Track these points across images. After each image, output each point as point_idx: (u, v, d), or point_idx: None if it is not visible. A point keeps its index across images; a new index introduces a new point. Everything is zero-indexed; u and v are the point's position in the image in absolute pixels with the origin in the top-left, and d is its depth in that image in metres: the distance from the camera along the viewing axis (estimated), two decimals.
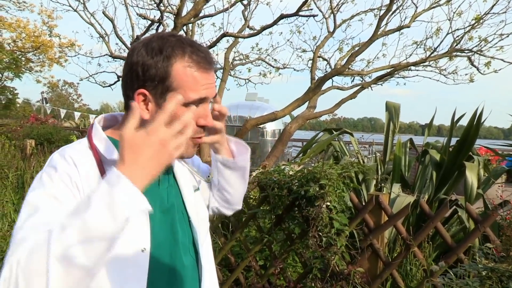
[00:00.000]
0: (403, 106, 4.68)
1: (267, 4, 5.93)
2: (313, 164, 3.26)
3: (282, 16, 4.34)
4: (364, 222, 2.77)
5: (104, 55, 6.65)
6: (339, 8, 5.47)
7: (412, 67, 5.78)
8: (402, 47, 7.14)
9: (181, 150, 0.86)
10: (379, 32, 4.53)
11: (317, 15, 4.69)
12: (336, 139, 4.93)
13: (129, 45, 5.56)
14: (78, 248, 0.73)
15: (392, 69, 5.28)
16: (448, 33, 5.00)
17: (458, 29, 5.02)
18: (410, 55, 5.40)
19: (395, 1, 4.44)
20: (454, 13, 4.92)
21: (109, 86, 6.83)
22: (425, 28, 5.34)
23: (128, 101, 0.98)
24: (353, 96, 5.27)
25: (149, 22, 5.45)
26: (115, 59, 6.40)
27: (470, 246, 2.57)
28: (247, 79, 7.63)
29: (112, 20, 5.63)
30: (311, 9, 4.90)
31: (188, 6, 4.89)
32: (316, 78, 5.00)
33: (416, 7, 4.86)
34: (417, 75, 6.32)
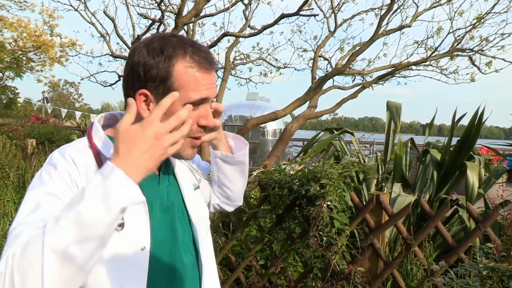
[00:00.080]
0: (404, 105, 4.68)
1: (268, 4, 5.92)
2: (313, 164, 3.27)
3: (283, 16, 4.33)
4: (365, 222, 2.77)
5: (105, 55, 6.65)
6: (340, 8, 5.46)
7: (413, 67, 5.77)
8: (403, 47, 7.19)
9: (177, 147, 0.87)
10: (380, 32, 4.53)
11: (318, 15, 4.68)
12: (337, 139, 4.93)
13: (130, 45, 5.56)
14: (72, 240, 0.73)
15: (393, 68, 5.28)
16: (449, 33, 5.00)
17: (459, 29, 5.02)
18: (411, 54, 5.39)
19: (396, 1, 4.44)
20: (455, 12, 4.91)
21: (110, 85, 6.83)
22: (426, 28, 5.36)
23: None
24: (354, 95, 5.27)
25: (150, 21, 5.45)
26: (116, 59, 6.40)
27: (470, 245, 2.57)
28: (248, 78, 7.62)
29: (113, 20, 5.63)
30: (312, 9, 4.90)
31: (189, 5, 4.89)
32: (317, 77, 5.00)
33: (417, 7, 4.85)
34: (418, 75, 6.31)
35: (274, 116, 4.76)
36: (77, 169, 0.93)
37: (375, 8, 5.91)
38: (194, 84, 0.96)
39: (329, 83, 5.33)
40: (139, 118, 0.88)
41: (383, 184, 4.01)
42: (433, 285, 2.55)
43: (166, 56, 0.95)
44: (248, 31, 5.41)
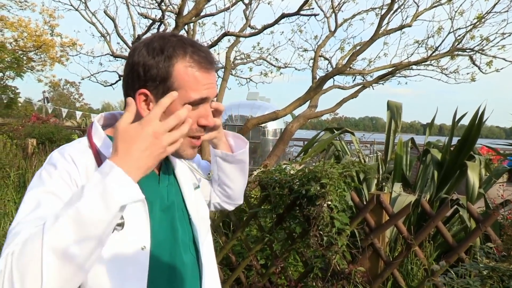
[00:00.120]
0: (405, 105, 4.68)
1: (268, 3, 5.93)
2: (314, 163, 3.27)
3: (283, 15, 4.33)
4: (365, 222, 2.77)
5: (105, 55, 6.66)
6: (341, 7, 5.47)
7: (414, 66, 5.77)
8: (403, 46, 7.21)
9: (177, 146, 0.87)
10: (380, 31, 4.53)
11: (318, 14, 4.67)
12: (337, 138, 4.93)
13: (130, 45, 5.57)
14: (72, 237, 0.73)
15: (393, 68, 5.28)
16: (449, 32, 5.00)
17: (459, 28, 5.02)
18: (412, 54, 5.40)
19: (396, 0, 4.44)
20: (455, 12, 4.91)
21: (110, 85, 6.84)
22: (426, 27, 5.34)
23: None
24: (354, 95, 5.27)
25: (151, 21, 5.45)
26: (116, 59, 6.40)
27: (471, 245, 2.56)
28: (249, 78, 7.63)
29: (113, 20, 5.63)
30: (312, 8, 4.89)
31: (190, 5, 4.89)
32: (318, 77, 5.00)
33: (418, 6, 4.85)
34: (418, 74, 6.32)
35: (274, 116, 4.76)
36: (77, 169, 0.93)
37: (375, 8, 5.92)
38: (194, 83, 0.96)
39: (329, 83, 5.33)
40: (138, 117, 0.88)
41: (384, 183, 4.01)
42: (434, 285, 2.55)
43: (166, 55, 0.94)
44: (248, 30, 5.41)
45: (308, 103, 4.95)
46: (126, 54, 5.91)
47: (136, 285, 0.94)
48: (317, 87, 4.71)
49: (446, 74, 6.01)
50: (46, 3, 16.87)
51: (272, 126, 12.25)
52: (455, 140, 4.17)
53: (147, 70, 0.94)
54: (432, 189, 3.92)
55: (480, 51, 5.21)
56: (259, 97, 13.43)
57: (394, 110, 4.59)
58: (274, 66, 7.21)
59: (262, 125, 8.82)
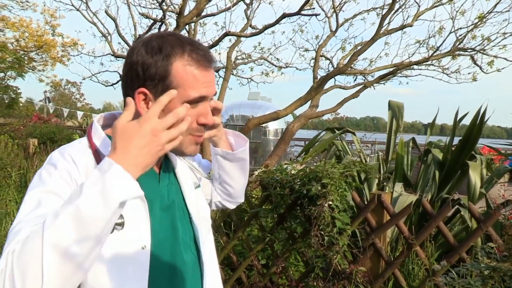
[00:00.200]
0: (406, 105, 4.67)
1: (269, 3, 5.93)
2: (315, 163, 3.26)
3: (284, 15, 4.33)
4: (366, 221, 2.77)
5: (106, 54, 6.68)
6: (342, 7, 5.47)
7: (415, 66, 5.78)
8: (404, 46, 7.23)
9: (175, 144, 0.87)
10: (381, 31, 4.53)
11: (319, 14, 4.68)
12: (339, 138, 4.92)
13: (131, 45, 5.57)
14: (72, 234, 0.73)
15: (394, 68, 5.28)
16: (450, 32, 5.00)
17: (461, 28, 5.02)
18: (413, 54, 5.40)
19: (397, 0, 4.44)
20: (457, 12, 4.91)
21: (111, 85, 6.85)
22: (427, 27, 5.32)
23: None
24: (355, 95, 5.27)
25: (152, 21, 5.47)
26: (117, 58, 6.42)
27: (472, 245, 2.56)
28: (250, 78, 7.64)
29: (114, 20, 5.64)
30: (313, 8, 4.90)
31: (191, 5, 4.89)
32: (319, 77, 5.00)
33: (419, 6, 4.85)
34: (419, 74, 6.32)
35: (275, 116, 4.77)
36: (77, 168, 0.94)
37: (376, 8, 5.92)
38: (193, 82, 0.96)
39: (330, 83, 5.36)
40: (138, 116, 0.88)
41: (385, 183, 4.00)
42: (435, 285, 2.55)
43: (164, 54, 0.95)
44: (249, 30, 5.41)
45: (309, 103, 4.96)
46: None
47: (137, 285, 0.94)
48: (318, 87, 4.71)
49: (447, 74, 6.02)
50: (48, 3, 16.89)
51: (273, 126, 12.25)
52: (456, 140, 4.16)
53: (145, 69, 0.94)
54: (433, 189, 3.92)
55: (482, 51, 5.21)
56: (260, 97, 13.43)
57: (395, 110, 4.58)
58: (275, 66, 7.22)
59: (263, 125, 8.81)
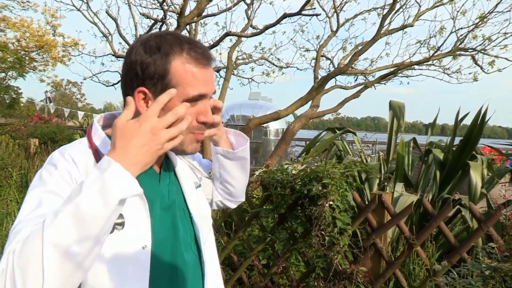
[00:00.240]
0: (407, 105, 4.67)
1: (270, 3, 5.93)
2: (316, 163, 3.26)
3: (285, 15, 4.33)
4: (367, 221, 2.77)
5: (107, 55, 6.67)
6: (342, 7, 5.47)
7: (416, 66, 5.78)
8: (405, 46, 7.20)
9: (175, 143, 0.88)
10: (382, 31, 4.53)
11: (320, 14, 4.67)
12: (339, 138, 4.92)
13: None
14: (72, 233, 0.73)
15: (395, 68, 5.28)
16: (451, 32, 5.00)
17: (461, 28, 5.02)
18: (414, 54, 5.40)
19: (398, 0, 4.43)
20: (457, 12, 4.91)
21: (112, 85, 6.85)
22: (428, 27, 5.32)
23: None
24: (356, 95, 5.27)
25: (152, 21, 5.46)
26: (118, 59, 6.42)
27: (473, 245, 2.56)
28: (250, 78, 7.64)
29: (115, 20, 5.64)
30: (314, 8, 4.89)
31: (191, 5, 4.90)
32: (319, 77, 5.00)
33: (420, 6, 4.85)
34: (420, 74, 6.32)
35: (276, 116, 4.77)
36: (77, 168, 0.94)
37: (377, 8, 5.92)
38: (192, 80, 0.96)
39: (331, 83, 5.35)
40: (138, 115, 0.88)
41: (386, 183, 4.00)
42: (436, 285, 2.55)
43: (163, 53, 0.95)
44: (250, 30, 5.41)
45: (310, 103, 4.96)
46: None
47: (137, 284, 0.94)
48: (319, 87, 4.71)
49: (448, 74, 6.01)
50: (48, 3, 16.92)
51: (274, 126, 12.26)
52: (457, 140, 4.16)
53: (144, 68, 0.95)
54: (434, 189, 3.91)
55: (482, 51, 5.21)
56: (261, 97, 13.44)
57: (396, 110, 4.57)
58: (276, 66, 7.22)
59: (264, 125, 8.82)
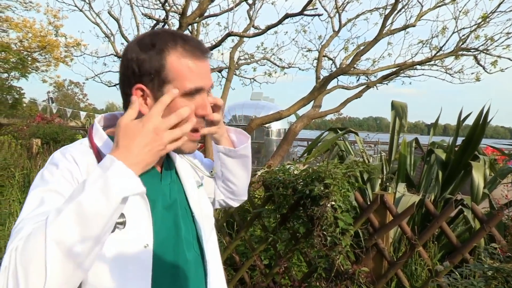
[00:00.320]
0: (409, 105, 4.66)
1: (272, 4, 5.93)
2: (318, 164, 3.26)
3: (287, 16, 4.34)
4: (369, 222, 2.77)
5: (109, 55, 6.69)
6: (344, 7, 5.47)
7: (418, 66, 5.76)
8: (407, 46, 7.13)
9: (178, 144, 0.88)
10: (384, 31, 4.52)
11: (322, 14, 4.68)
12: (341, 139, 4.91)
13: None
14: (74, 230, 0.73)
15: (397, 68, 5.27)
16: (454, 32, 4.99)
17: (464, 28, 5.01)
18: (416, 54, 5.40)
19: (400, 0, 4.43)
20: (460, 11, 4.90)
21: (114, 85, 6.87)
22: (430, 27, 5.32)
23: (127, 100, 0.99)
24: (358, 95, 5.27)
25: (155, 21, 5.47)
26: (120, 59, 6.43)
27: (475, 246, 2.55)
28: (252, 78, 7.63)
29: (117, 20, 5.65)
30: (316, 8, 4.88)
31: (193, 5, 4.90)
32: (321, 77, 5.00)
33: (422, 6, 4.84)
34: (422, 74, 6.30)
35: (278, 116, 4.77)
36: (78, 168, 0.94)
37: (379, 8, 5.91)
38: (188, 73, 0.96)
39: (333, 83, 5.34)
40: (138, 113, 0.89)
41: (388, 184, 4.00)
42: (438, 285, 2.54)
43: (158, 49, 0.96)
44: (252, 31, 5.42)
45: (312, 103, 4.96)
46: None
47: (139, 284, 0.94)
48: (321, 87, 4.71)
49: (450, 74, 6.00)
50: (51, 4, 16.96)
51: (276, 126, 12.27)
52: (459, 140, 4.15)
53: (141, 65, 0.96)
54: (437, 189, 3.91)
55: (485, 51, 5.20)
56: (263, 97, 13.45)
57: (399, 110, 4.57)
58: (278, 66, 7.22)
59: (266, 125, 8.83)
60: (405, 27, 4.87)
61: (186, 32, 4.85)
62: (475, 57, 5.43)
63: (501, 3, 4.68)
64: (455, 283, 2.00)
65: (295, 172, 2.91)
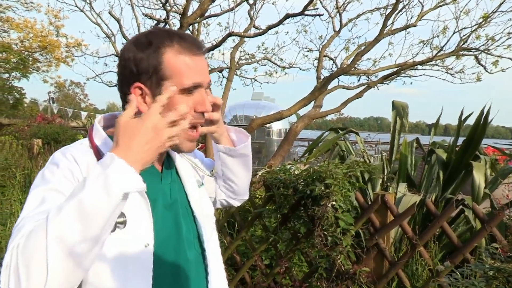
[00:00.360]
0: (409, 105, 4.66)
1: (272, 4, 5.93)
2: (318, 164, 3.26)
3: (287, 16, 4.34)
4: (370, 222, 2.77)
5: (110, 55, 6.70)
6: (345, 7, 5.46)
7: (419, 66, 5.75)
8: (408, 46, 7.13)
9: (176, 141, 0.88)
10: (385, 31, 4.52)
11: (322, 14, 4.68)
12: (342, 139, 4.92)
13: None
14: (75, 228, 0.73)
15: (398, 68, 5.27)
16: (455, 32, 4.98)
17: (465, 28, 5.00)
18: (417, 54, 5.38)
19: (401, 0, 4.43)
20: (461, 11, 4.89)
21: (115, 85, 6.84)
22: (431, 27, 5.32)
23: (126, 100, 0.99)
24: (359, 95, 5.26)
25: (155, 22, 5.47)
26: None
27: (476, 246, 2.55)
28: (253, 78, 7.63)
29: (118, 20, 5.66)
30: (317, 8, 4.89)
31: (194, 6, 4.90)
32: (322, 77, 5.00)
33: (423, 6, 4.84)
34: (423, 74, 6.29)
35: (279, 116, 4.77)
36: (79, 168, 0.94)
37: (380, 8, 5.90)
38: (186, 70, 0.97)
39: (334, 83, 5.33)
40: (136, 111, 0.90)
41: (389, 184, 3.99)
42: (439, 285, 2.54)
43: (154, 47, 0.96)
44: (253, 31, 5.41)
45: (313, 103, 4.96)
46: None
47: (140, 283, 0.94)
48: (321, 87, 4.71)
49: (451, 74, 5.99)
50: (52, 4, 16.97)
51: (277, 126, 12.26)
52: (460, 140, 4.15)
53: (138, 64, 0.96)
54: (437, 189, 3.90)
55: (486, 51, 5.19)
56: (264, 97, 13.44)
57: (400, 110, 4.56)
58: (279, 66, 7.21)
59: (267, 125, 8.83)
60: (406, 27, 4.87)
61: (187, 32, 4.86)
62: (476, 57, 5.43)
63: (502, 3, 4.67)
64: (456, 283, 2.00)
65: (296, 172, 2.91)
